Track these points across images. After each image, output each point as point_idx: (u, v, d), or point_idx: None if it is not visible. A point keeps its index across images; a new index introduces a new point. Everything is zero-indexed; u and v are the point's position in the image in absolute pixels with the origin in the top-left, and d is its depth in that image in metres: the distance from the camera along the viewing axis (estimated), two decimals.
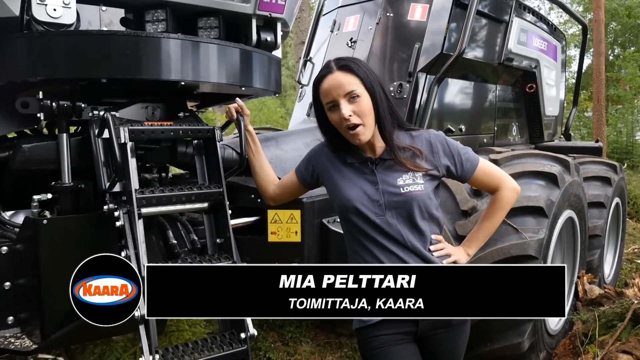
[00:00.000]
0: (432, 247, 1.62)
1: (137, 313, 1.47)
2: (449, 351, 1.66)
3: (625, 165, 11.25)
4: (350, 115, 1.51)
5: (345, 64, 1.55)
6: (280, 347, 3.41)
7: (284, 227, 2.45)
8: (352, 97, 1.52)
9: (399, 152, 1.58)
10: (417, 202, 1.57)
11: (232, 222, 2.34)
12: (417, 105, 3.28)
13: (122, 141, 1.63)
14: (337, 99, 1.53)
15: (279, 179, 1.95)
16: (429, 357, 1.64)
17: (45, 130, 2.18)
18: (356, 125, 1.53)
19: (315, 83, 1.59)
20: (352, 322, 1.67)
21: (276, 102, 21.68)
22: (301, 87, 4.17)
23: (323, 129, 1.67)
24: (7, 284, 1.76)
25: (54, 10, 1.66)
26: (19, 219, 1.94)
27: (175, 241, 1.92)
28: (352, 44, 3.72)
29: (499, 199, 1.72)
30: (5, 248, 1.75)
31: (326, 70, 1.56)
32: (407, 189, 1.57)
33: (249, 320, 1.67)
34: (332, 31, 3.97)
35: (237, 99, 1.96)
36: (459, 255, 1.68)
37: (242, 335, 1.65)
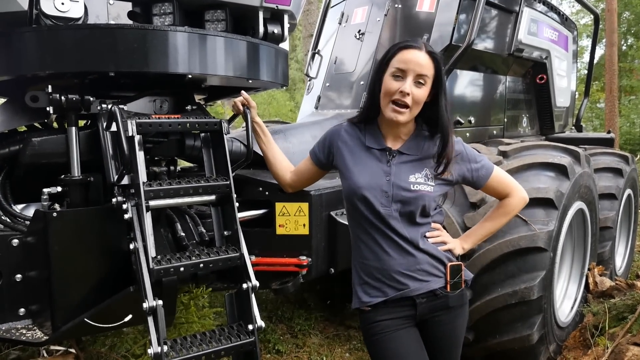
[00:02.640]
0: (428, 234, 1.67)
1: (145, 305, 1.48)
2: (448, 333, 1.71)
3: (639, 156, 11.11)
4: (408, 93, 1.54)
5: (433, 52, 1.59)
6: (289, 339, 3.43)
7: (292, 219, 2.45)
8: (419, 81, 1.55)
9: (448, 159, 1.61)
10: (423, 201, 1.61)
11: (240, 214, 2.35)
12: None
13: (130, 134, 1.64)
14: (408, 73, 1.55)
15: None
16: (430, 340, 1.69)
17: (55, 124, 2.20)
18: (405, 105, 1.55)
19: (397, 47, 1.59)
20: (354, 308, 1.72)
21: (285, 96, 21.66)
22: (309, 80, 4.16)
23: (370, 91, 1.66)
24: (19, 276, 1.78)
25: (62, 4, 1.67)
26: (30, 212, 1.96)
27: (183, 234, 1.93)
28: (361, 35, 3.70)
29: (506, 205, 1.79)
30: (16, 241, 1.77)
31: (416, 44, 1.57)
32: (417, 187, 1.60)
33: (256, 311, 1.68)
34: (340, 23, 3.95)
35: (243, 92, 1.97)
36: (454, 246, 1.74)
37: (250, 327, 1.66)
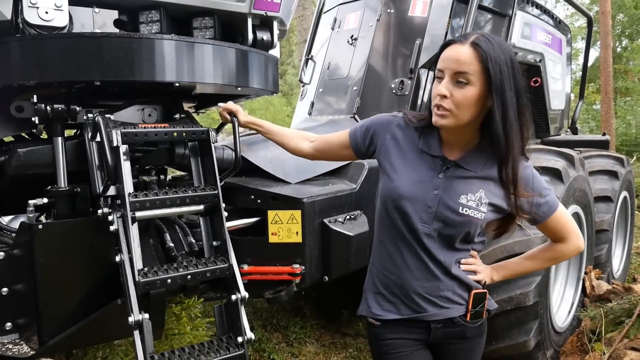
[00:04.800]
0: (462, 260, 1.49)
1: (131, 319, 1.45)
2: None
3: (635, 157, 11.11)
4: (444, 96, 1.31)
5: (477, 43, 1.29)
6: (285, 347, 3.39)
7: (285, 227, 2.42)
8: (459, 80, 1.30)
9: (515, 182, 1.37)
10: (468, 228, 1.42)
11: (232, 223, 2.33)
12: (419, 102, 3.24)
13: (115, 144, 1.62)
14: (445, 73, 1.32)
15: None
16: None
17: (45, 134, 2.18)
18: (444, 110, 1.32)
19: (444, 44, 1.38)
20: (357, 322, 1.62)
21: (282, 101, 21.71)
22: (303, 86, 4.15)
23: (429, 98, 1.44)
24: (5, 289, 1.75)
25: (46, 13, 1.65)
26: (18, 224, 1.93)
27: (172, 244, 1.90)
28: (353, 41, 3.69)
29: (557, 250, 1.57)
30: (1, 254, 1.74)
31: (461, 38, 1.34)
32: (467, 211, 1.39)
33: (246, 323, 1.65)
34: (332, 29, 3.94)
35: (220, 103, 1.90)
36: (484, 276, 1.55)
37: (239, 339, 1.63)
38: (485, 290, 1.53)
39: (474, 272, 1.52)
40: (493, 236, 1.56)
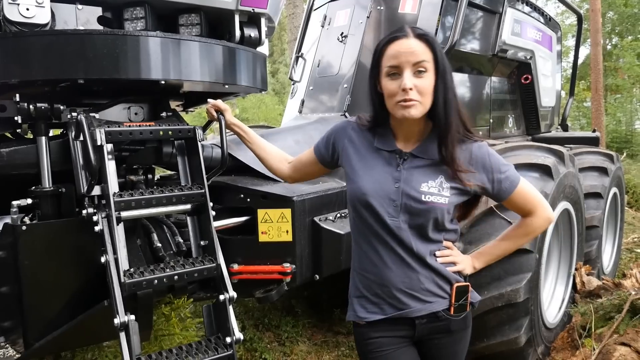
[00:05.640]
0: (438, 253, 1.50)
1: (116, 320, 1.43)
2: (447, 358, 1.58)
3: (625, 154, 11.19)
4: (411, 89, 1.35)
5: (423, 33, 1.39)
6: (277, 347, 3.38)
7: (275, 226, 2.40)
8: (419, 69, 1.36)
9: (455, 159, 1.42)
10: (435, 214, 1.43)
11: (222, 222, 2.30)
12: None
13: (99, 143, 1.59)
14: (403, 67, 1.36)
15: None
16: None
17: (30, 134, 2.14)
18: (412, 102, 1.36)
19: (383, 43, 1.41)
20: (348, 320, 1.60)
21: (274, 100, 21.62)
22: (293, 84, 4.13)
23: (371, 99, 1.49)
24: None
25: (27, 9, 1.61)
26: (1, 225, 1.90)
27: (159, 244, 1.88)
28: (343, 38, 3.67)
29: (528, 224, 1.58)
30: None
31: (401, 32, 1.38)
32: (429, 197, 1.42)
33: (234, 323, 1.63)
34: (322, 26, 3.92)
35: (210, 99, 1.89)
36: (465, 266, 1.57)
37: (228, 339, 1.61)
38: (468, 284, 1.54)
39: (453, 264, 1.53)
40: (459, 217, 1.61)
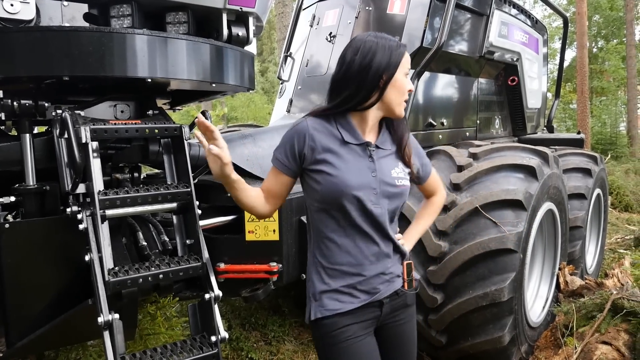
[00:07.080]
0: (397, 235, 1.65)
1: (100, 319, 1.42)
2: (407, 332, 1.68)
3: (609, 155, 11.36)
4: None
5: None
6: (263, 346, 3.38)
7: (262, 225, 2.40)
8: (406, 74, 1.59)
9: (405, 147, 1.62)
10: (405, 196, 1.60)
11: (209, 221, 2.30)
12: None
13: (84, 141, 1.58)
14: (408, 71, 1.60)
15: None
16: (389, 343, 1.65)
17: (14, 131, 2.12)
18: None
19: (405, 48, 1.58)
20: (314, 318, 1.56)
21: (264, 99, 21.58)
22: (281, 83, 4.12)
23: (367, 88, 1.50)
24: None
25: (11, 5, 1.60)
26: None
27: (145, 243, 1.87)
28: (332, 38, 3.68)
29: (434, 203, 1.84)
30: None
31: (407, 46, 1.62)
32: (400, 181, 1.58)
33: (219, 322, 1.63)
34: (311, 26, 3.92)
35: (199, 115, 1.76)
36: (409, 245, 1.74)
37: (213, 338, 1.61)
38: (411, 261, 1.70)
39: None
40: None
